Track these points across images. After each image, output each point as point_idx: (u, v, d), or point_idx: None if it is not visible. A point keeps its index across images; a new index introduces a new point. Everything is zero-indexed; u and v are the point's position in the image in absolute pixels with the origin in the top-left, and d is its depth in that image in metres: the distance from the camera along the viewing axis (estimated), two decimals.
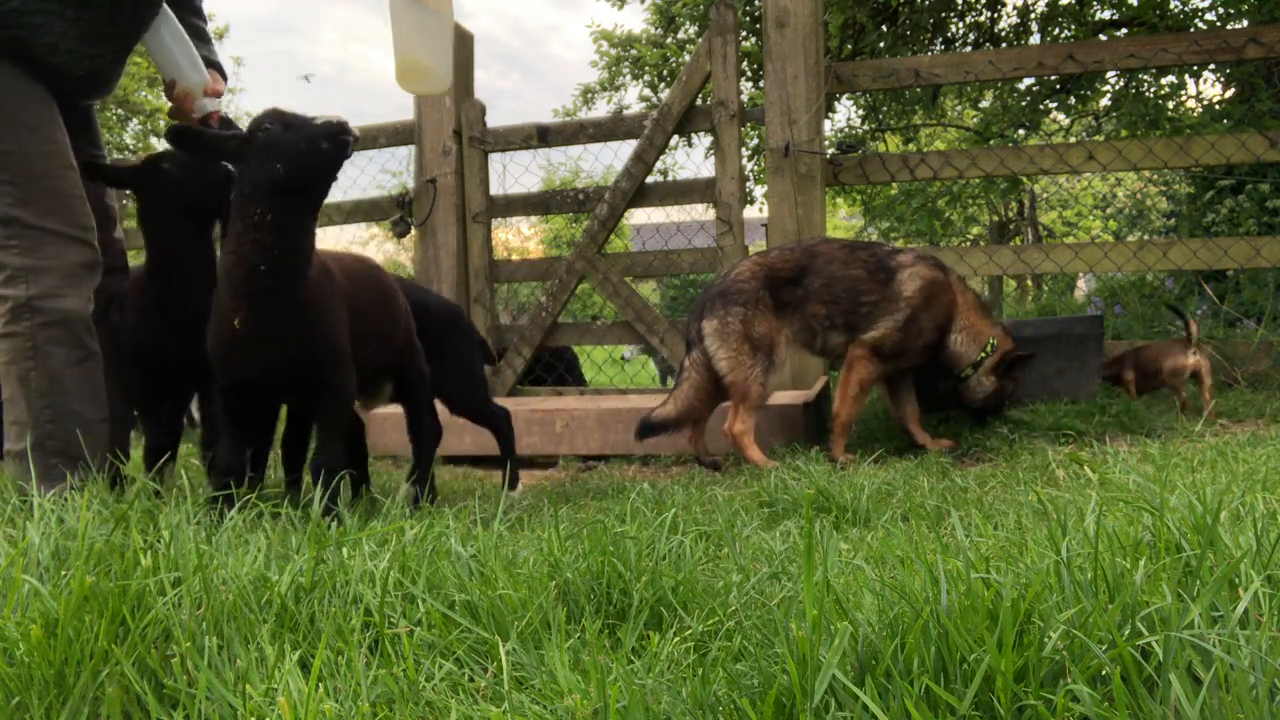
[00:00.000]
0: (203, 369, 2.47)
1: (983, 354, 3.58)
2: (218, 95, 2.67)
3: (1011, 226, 15.52)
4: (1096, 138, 10.43)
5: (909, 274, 3.54)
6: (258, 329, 2.23)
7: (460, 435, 3.98)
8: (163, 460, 2.62)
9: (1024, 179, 10.59)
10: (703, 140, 10.10)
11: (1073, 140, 10.11)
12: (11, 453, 2.26)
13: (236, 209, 2.23)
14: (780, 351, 3.54)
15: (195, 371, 2.59)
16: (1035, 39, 9.12)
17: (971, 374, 3.62)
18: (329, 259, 2.50)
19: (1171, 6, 8.40)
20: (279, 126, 2.22)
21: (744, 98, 6.05)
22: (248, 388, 2.34)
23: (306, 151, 2.20)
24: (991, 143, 9.43)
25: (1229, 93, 8.22)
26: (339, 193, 5.76)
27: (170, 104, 2.65)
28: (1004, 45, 9.12)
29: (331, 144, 2.22)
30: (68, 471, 2.15)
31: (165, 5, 2.57)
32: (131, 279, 2.72)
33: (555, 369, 5.75)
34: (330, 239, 15.11)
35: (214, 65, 2.72)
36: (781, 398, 4.05)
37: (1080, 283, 11.83)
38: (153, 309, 2.60)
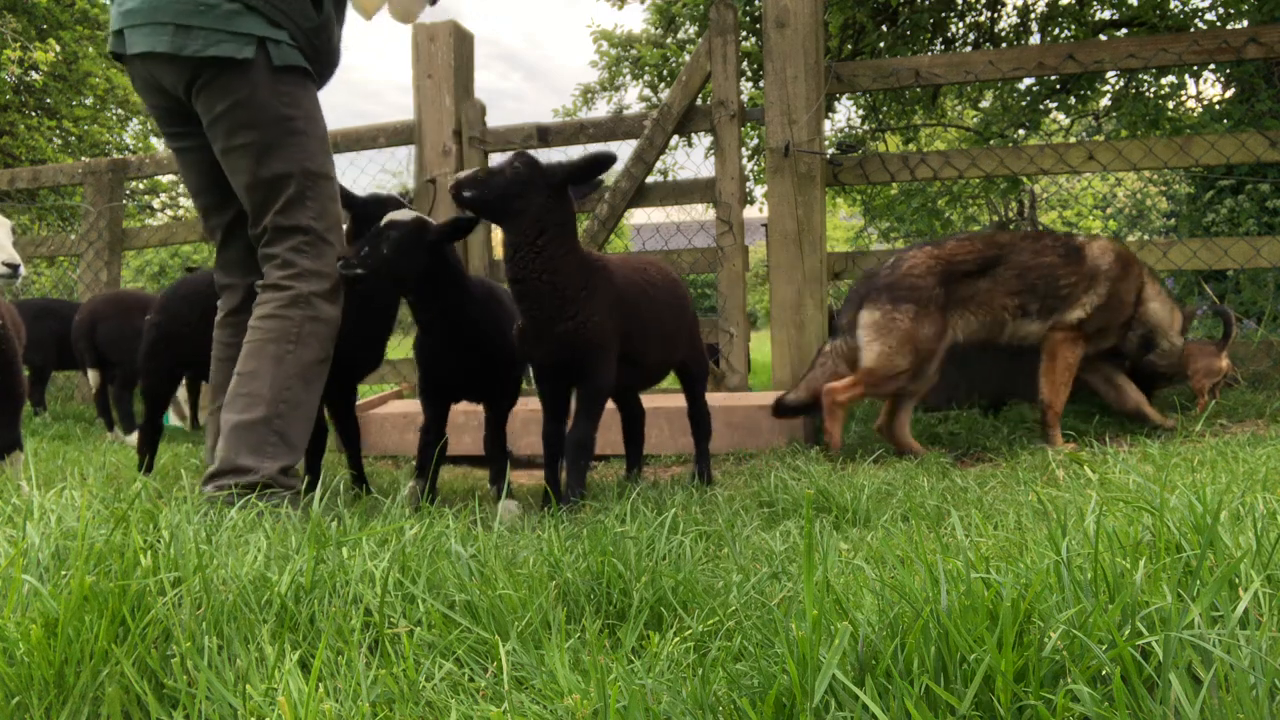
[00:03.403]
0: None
1: None
2: None
3: (1011, 226, 15.51)
4: (1096, 138, 10.43)
5: (1098, 248, 3.50)
6: None
7: (460, 435, 3.98)
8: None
9: (1024, 179, 10.60)
10: (703, 140, 10.11)
11: (1073, 140, 10.11)
12: (240, 423, 2.37)
13: None
14: (936, 362, 3.42)
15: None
16: (1035, 39, 9.12)
17: (1165, 340, 3.61)
18: None
19: (1171, 6, 8.40)
20: None
21: (744, 98, 6.05)
22: None
23: None
24: (991, 143, 9.43)
25: (1229, 93, 8.22)
26: None
27: None
28: (1004, 45, 9.13)
29: None
30: (282, 454, 2.38)
31: None
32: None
33: None
34: None
35: None
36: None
37: None
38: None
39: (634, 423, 3.28)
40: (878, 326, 3.36)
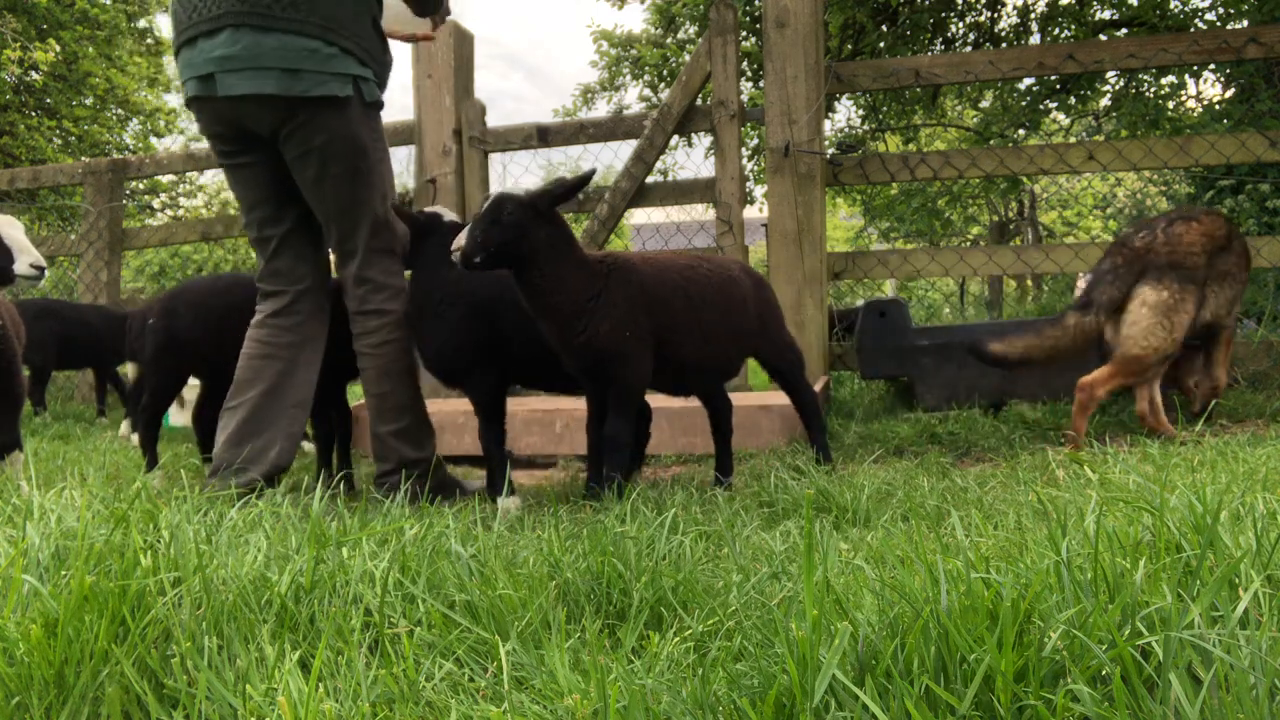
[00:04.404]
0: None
1: None
2: None
3: (1011, 226, 15.52)
4: (1096, 138, 10.44)
5: None
6: None
7: (460, 435, 3.99)
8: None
9: (1024, 179, 10.60)
10: (703, 140, 10.11)
11: (1073, 140, 10.11)
12: (396, 430, 2.91)
13: None
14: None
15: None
16: (1035, 39, 9.13)
17: None
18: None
19: (1171, 6, 8.41)
20: None
21: (744, 98, 6.05)
22: None
23: None
24: (991, 143, 9.44)
25: (1229, 93, 8.22)
26: None
27: None
28: (1004, 45, 9.13)
29: None
30: (429, 440, 3.00)
31: None
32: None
33: None
34: None
35: None
36: (782, 398, 4.04)
37: (1080, 283, 11.81)
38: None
39: (721, 420, 3.20)
40: (1164, 308, 3.14)
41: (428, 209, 3.09)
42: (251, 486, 2.55)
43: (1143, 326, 3.15)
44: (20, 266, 2.74)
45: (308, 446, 4.03)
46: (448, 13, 3.14)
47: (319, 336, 2.97)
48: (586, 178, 2.67)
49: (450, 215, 3.09)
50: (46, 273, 2.86)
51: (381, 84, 2.85)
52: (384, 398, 2.90)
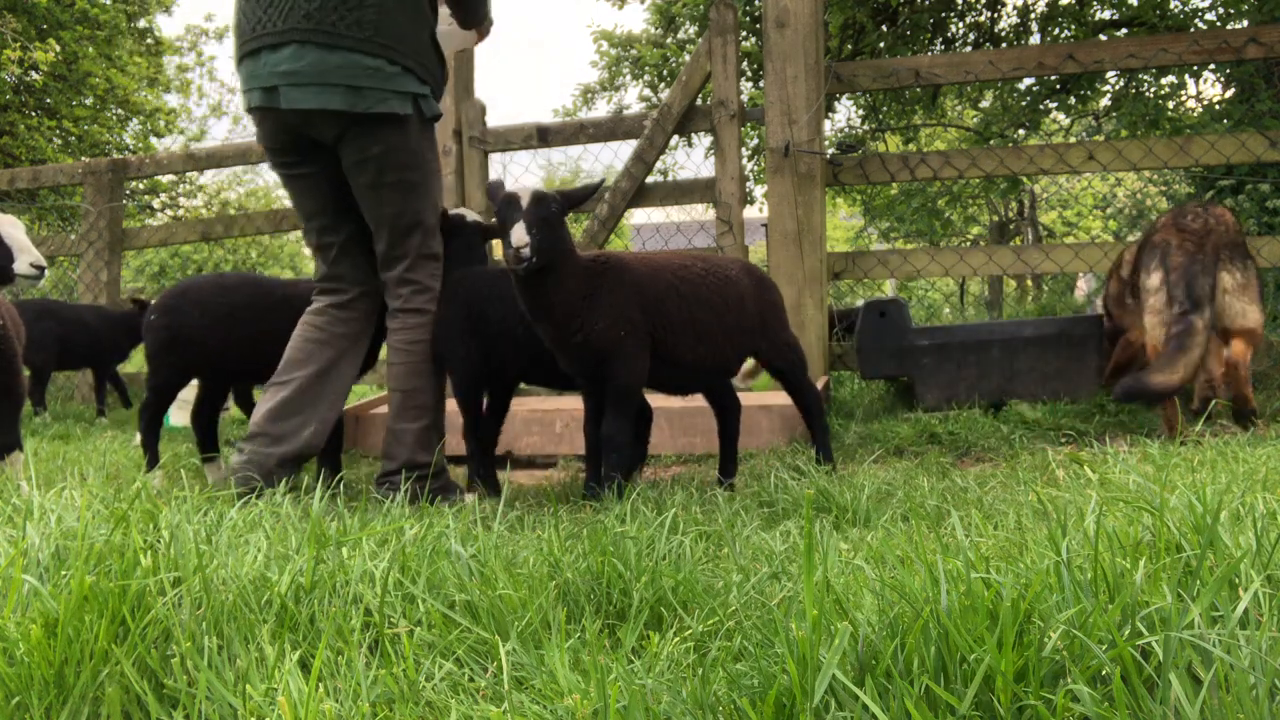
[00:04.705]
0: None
1: None
2: None
3: (1011, 226, 15.52)
4: (1096, 138, 10.43)
5: None
6: None
7: (461, 436, 3.98)
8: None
9: (1024, 179, 10.60)
10: (703, 140, 10.11)
11: (1073, 140, 10.11)
12: (415, 429, 2.95)
13: None
14: None
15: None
16: (1035, 39, 9.12)
17: None
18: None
19: (1171, 6, 8.41)
20: None
21: (744, 98, 6.05)
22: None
23: None
24: (991, 143, 9.44)
25: (1229, 93, 8.21)
26: None
27: None
28: (1004, 45, 9.13)
29: None
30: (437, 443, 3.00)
31: None
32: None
33: None
34: None
35: None
36: (782, 398, 4.05)
37: (1080, 283, 11.83)
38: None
39: (727, 420, 3.20)
40: (1243, 288, 3.31)
41: (451, 211, 3.15)
42: (251, 486, 2.56)
43: (1235, 310, 3.32)
44: (20, 266, 2.75)
45: None
46: (493, 22, 3.21)
47: (366, 337, 3.07)
48: (595, 187, 2.76)
49: (473, 216, 3.18)
50: (46, 272, 2.87)
51: (438, 97, 2.93)
52: (409, 395, 2.97)
